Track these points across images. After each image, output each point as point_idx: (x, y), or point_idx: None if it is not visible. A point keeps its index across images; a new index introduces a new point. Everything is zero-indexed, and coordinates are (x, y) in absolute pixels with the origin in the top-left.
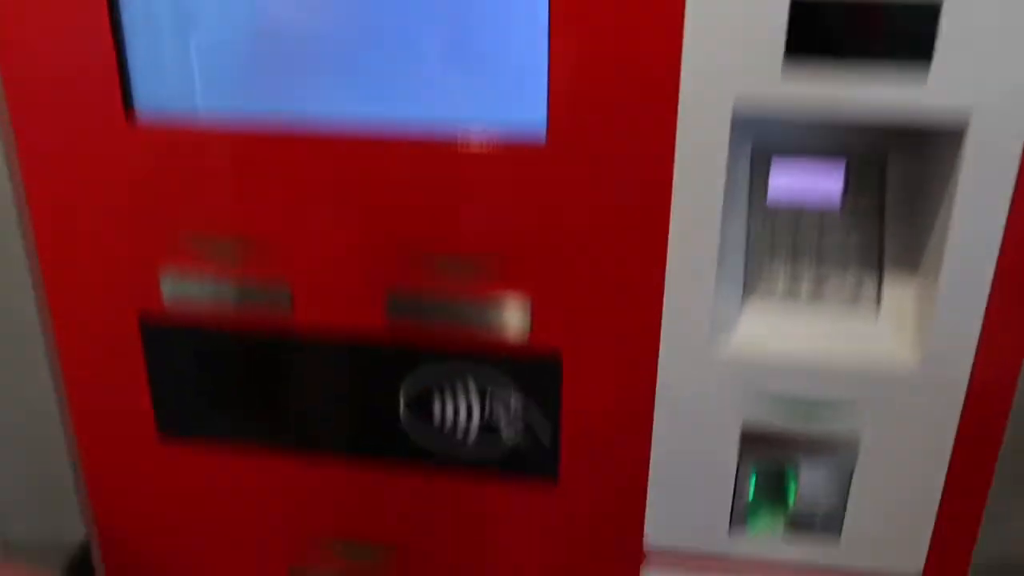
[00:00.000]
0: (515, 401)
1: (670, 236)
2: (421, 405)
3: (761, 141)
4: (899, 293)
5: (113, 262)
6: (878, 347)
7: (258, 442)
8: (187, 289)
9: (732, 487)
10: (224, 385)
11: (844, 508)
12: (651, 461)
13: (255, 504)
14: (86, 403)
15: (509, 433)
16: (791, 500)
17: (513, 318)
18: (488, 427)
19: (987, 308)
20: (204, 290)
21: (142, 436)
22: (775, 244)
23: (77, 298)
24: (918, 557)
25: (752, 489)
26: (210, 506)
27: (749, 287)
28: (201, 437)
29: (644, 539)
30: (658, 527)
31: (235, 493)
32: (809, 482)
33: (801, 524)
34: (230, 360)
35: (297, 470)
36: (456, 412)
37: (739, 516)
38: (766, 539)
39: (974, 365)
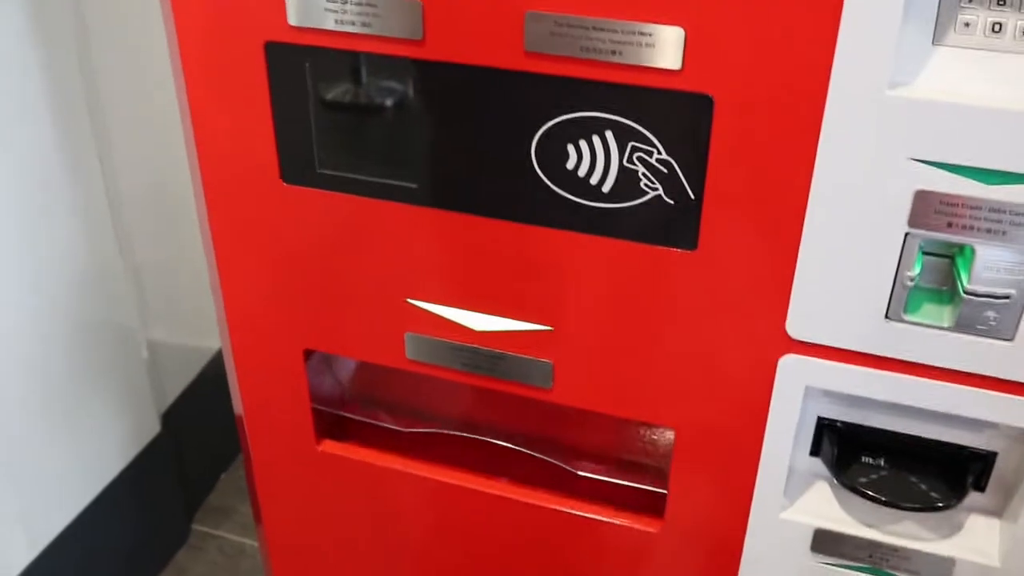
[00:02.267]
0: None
1: None
2: (554, 151)
3: None
4: None
5: None
6: None
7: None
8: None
9: (895, 264)
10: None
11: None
12: (803, 234)
13: (373, 256)
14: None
15: (648, 184)
16: (960, 288)
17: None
18: (627, 176)
19: None
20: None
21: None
22: None
23: None
24: None
25: (918, 271)
26: (327, 250)
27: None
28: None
29: (786, 327)
30: (802, 314)
31: (349, 241)
32: (986, 268)
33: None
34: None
35: (415, 219)
36: (593, 160)
37: (898, 301)
38: (927, 332)
39: None
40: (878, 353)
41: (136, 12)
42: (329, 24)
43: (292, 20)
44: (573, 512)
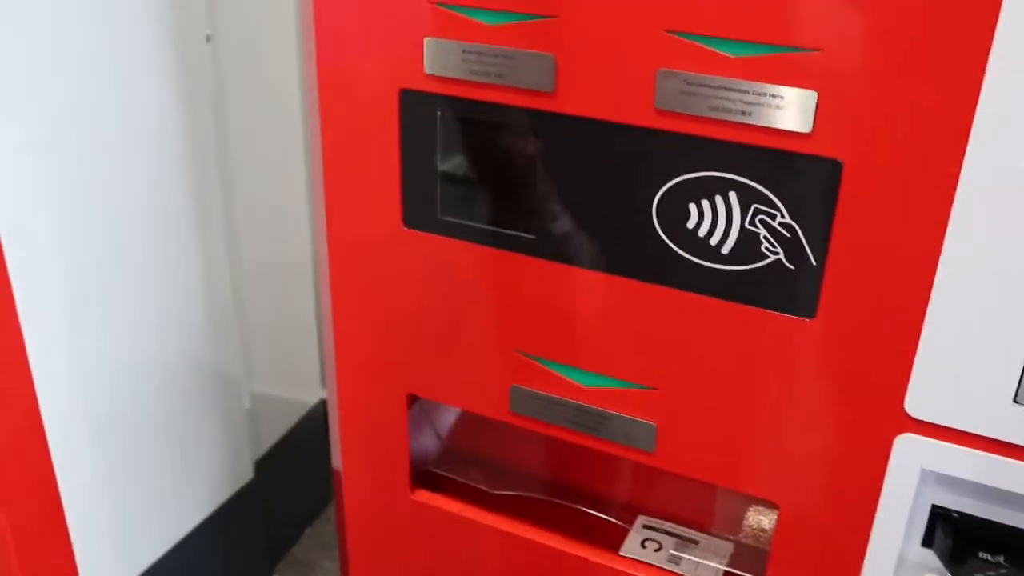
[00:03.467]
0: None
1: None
2: (676, 210)
3: None
4: None
5: None
6: None
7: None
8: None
9: None
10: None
11: None
12: (929, 308)
13: (486, 305)
14: None
15: (769, 248)
16: None
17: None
18: (747, 238)
19: None
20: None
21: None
22: None
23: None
24: None
25: None
26: (441, 296)
27: None
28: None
29: (905, 404)
30: (923, 392)
31: (464, 288)
32: None
33: None
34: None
35: (530, 270)
36: (714, 220)
37: None
38: None
39: None
40: (1004, 439)
41: (271, 47)
42: (464, 74)
43: (429, 69)
44: None
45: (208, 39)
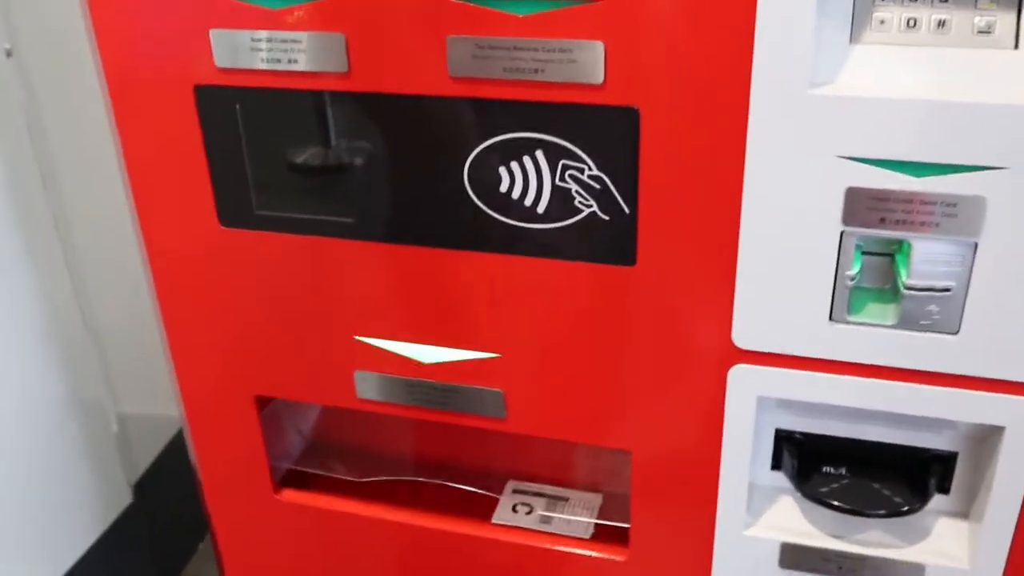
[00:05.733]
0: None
1: None
2: (487, 176)
3: None
4: None
5: None
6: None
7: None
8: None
9: (834, 265)
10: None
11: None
12: (740, 241)
13: (316, 295)
14: None
15: (582, 201)
16: (901, 284)
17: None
18: (560, 195)
19: None
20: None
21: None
22: None
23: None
24: None
25: (857, 269)
26: (270, 292)
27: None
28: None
29: (732, 337)
30: (747, 323)
31: (292, 281)
32: (923, 262)
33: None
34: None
35: (354, 254)
36: (525, 181)
37: (841, 302)
38: (872, 332)
39: None
40: (825, 357)
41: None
42: (256, 63)
43: (219, 62)
44: (537, 545)
45: (9, 53)
